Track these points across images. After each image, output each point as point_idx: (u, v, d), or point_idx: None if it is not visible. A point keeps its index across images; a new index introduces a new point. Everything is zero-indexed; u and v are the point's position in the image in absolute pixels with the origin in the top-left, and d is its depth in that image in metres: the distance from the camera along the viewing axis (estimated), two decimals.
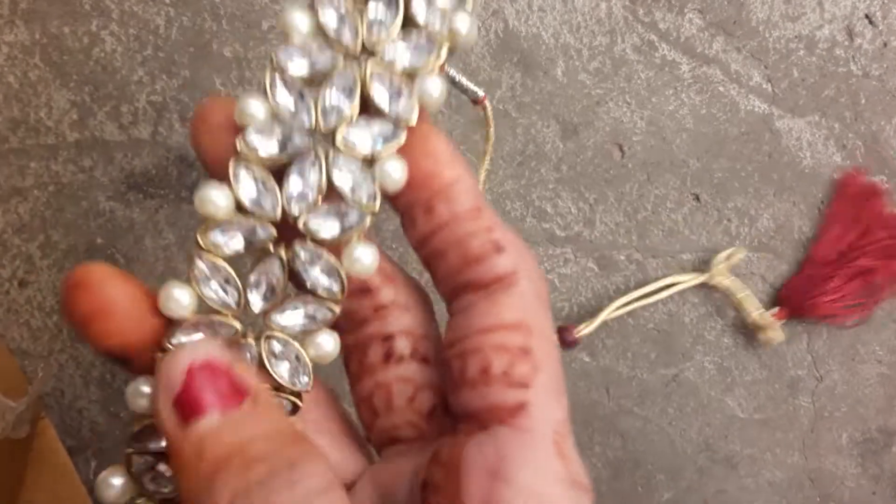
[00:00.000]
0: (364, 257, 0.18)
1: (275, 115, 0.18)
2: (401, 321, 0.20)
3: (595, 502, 0.37)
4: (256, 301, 0.19)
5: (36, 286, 0.39)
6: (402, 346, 0.20)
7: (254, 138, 0.18)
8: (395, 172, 0.18)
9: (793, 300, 0.43)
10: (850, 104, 0.44)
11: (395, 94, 0.18)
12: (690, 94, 0.43)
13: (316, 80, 0.18)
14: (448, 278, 0.19)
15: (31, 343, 0.39)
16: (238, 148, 0.18)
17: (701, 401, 0.44)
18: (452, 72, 0.24)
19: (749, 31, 0.43)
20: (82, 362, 0.39)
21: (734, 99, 0.43)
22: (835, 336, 0.45)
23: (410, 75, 0.19)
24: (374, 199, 0.18)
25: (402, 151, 0.19)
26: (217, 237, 0.18)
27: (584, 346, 0.43)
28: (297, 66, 0.18)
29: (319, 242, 0.18)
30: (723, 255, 0.42)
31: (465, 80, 0.24)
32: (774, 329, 0.42)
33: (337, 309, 0.19)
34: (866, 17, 0.44)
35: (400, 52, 0.19)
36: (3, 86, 0.38)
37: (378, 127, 0.19)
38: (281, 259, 0.18)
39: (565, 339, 0.40)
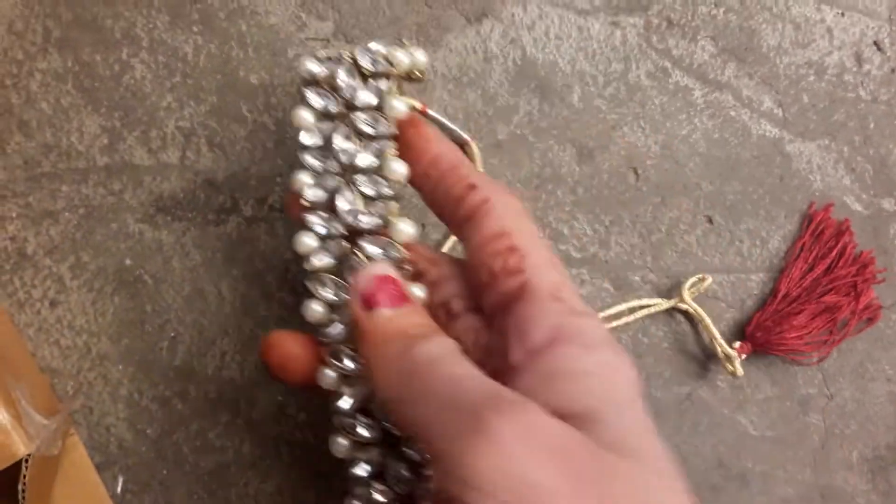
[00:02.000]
0: (405, 228, 0.30)
1: (315, 175, 0.31)
2: (450, 289, 0.29)
3: None
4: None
5: (66, 306, 0.40)
6: (457, 305, 0.29)
7: (308, 192, 0.31)
8: (397, 167, 0.30)
9: (758, 335, 0.44)
10: (859, 128, 0.45)
11: (375, 123, 0.30)
12: (703, 119, 0.44)
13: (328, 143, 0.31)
14: (448, 216, 0.30)
15: (60, 361, 0.40)
16: (303, 204, 0.31)
17: (714, 419, 0.45)
18: (435, 115, 0.33)
19: (760, 57, 0.44)
20: (110, 380, 0.40)
21: (746, 123, 0.44)
22: (845, 354, 0.46)
23: (380, 108, 0.30)
24: (388, 188, 0.30)
25: (406, 144, 0.31)
26: (315, 262, 0.31)
27: None
28: (314, 140, 0.31)
29: (374, 233, 0.30)
30: (690, 280, 0.43)
31: (449, 123, 0.34)
32: (734, 363, 0.43)
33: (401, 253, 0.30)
34: (874, 43, 0.45)
35: (368, 97, 0.30)
36: (37, 112, 0.40)
37: (375, 146, 0.30)
38: (356, 254, 0.30)
39: None
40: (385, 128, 0.30)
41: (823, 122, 0.45)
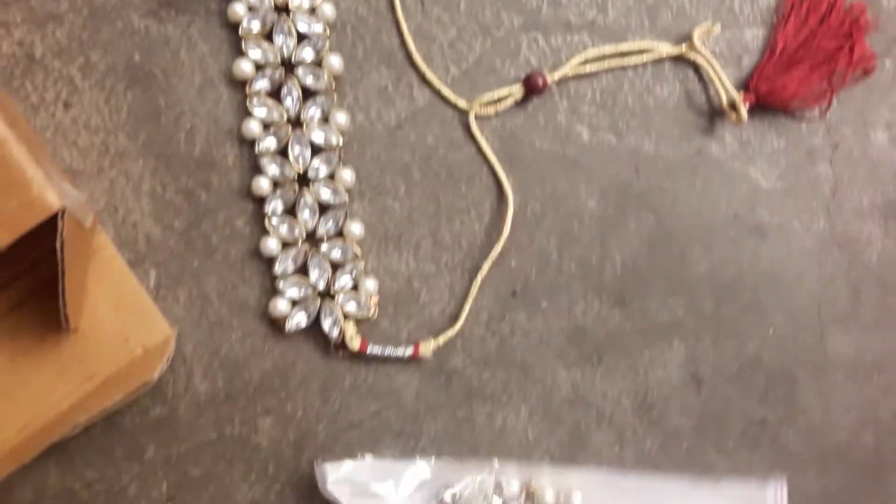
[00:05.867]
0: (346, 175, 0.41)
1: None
2: None
3: (636, 278, 0.39)
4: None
5: (80, 106, 0.40)
6: None
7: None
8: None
9: (761, 86, 0.45)
10: None
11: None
12: None
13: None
14: None
15: (80, 162, 0.40)
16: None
17: (725, 173, 0.46)
18: (378, 350, 0.41)
19: None
20: (132, 176, 0.41)
21: None
22: (844, 104, 0.47)
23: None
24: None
25: None
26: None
27: (610, 128, 0.44)
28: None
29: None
30: (700, 27, 0.44)
31: (389, 352, 0.41)
32: (740, 109, 0.44)
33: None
34: None
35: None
36: None
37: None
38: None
39: (536, 84, 0.42)
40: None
41: None
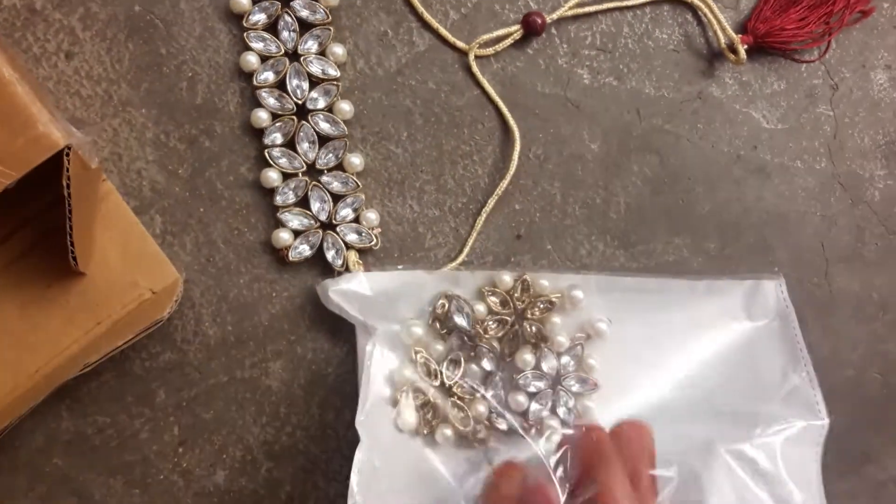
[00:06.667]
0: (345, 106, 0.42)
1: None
2: None
3: (640, 219, 0.38)
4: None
5: (82, 57, 0.40)
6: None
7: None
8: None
9: (758, 28, 0.45)
10: None
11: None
12: None
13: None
14: None
15: (83, 111, 0.40)
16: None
17: (727, 115, 0.46)
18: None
19: None
20: (135, 125, 0.41)
21: None
22: (843, 46, 0.47)
23: None
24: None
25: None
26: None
27: (611, 71, 0.45)
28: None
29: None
30: None
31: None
32: (738, 49, 0.44)
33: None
34: None
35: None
36: None
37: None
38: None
39: (535, 23, 0.42)
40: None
41: None
